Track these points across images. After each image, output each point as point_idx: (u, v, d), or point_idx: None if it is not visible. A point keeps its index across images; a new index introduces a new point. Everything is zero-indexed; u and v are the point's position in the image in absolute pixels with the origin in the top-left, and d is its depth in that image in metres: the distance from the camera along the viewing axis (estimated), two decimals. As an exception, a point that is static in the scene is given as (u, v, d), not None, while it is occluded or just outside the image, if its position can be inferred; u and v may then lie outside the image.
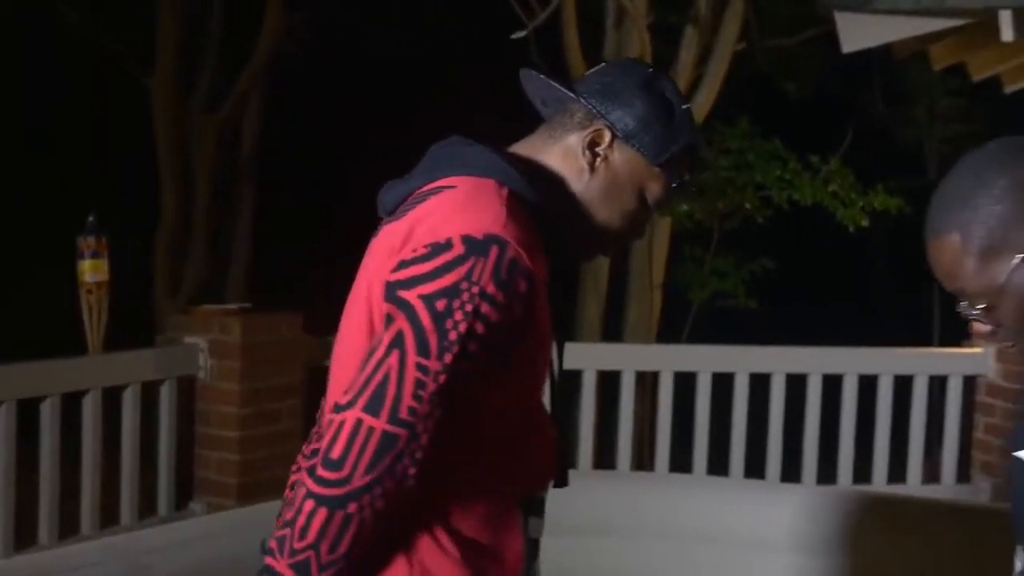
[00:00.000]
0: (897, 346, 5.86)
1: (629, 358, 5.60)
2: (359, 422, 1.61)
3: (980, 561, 2.97)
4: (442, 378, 1.61)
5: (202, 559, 2.87)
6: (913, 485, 5.53)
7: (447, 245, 1.64)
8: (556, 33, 7.64)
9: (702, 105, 7.84)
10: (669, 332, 8.75)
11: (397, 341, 1.63)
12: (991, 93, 8.13)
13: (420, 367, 1.61)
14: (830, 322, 11.91)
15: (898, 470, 5.57)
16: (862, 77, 12.38)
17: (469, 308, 1.61)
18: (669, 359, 5.53)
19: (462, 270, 1.62)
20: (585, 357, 5.43)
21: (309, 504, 1.62)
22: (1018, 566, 1.48)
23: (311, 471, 1.64)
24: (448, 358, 1.61)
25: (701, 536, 3.28)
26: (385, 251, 1.71)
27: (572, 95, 1.84)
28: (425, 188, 1.76)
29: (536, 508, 1.84)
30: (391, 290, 1.66)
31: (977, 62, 6.74)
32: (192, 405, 4.86)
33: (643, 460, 6.75)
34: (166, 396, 4.78)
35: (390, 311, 1.66)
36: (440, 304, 1.62)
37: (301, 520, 1.62)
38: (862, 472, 5.54)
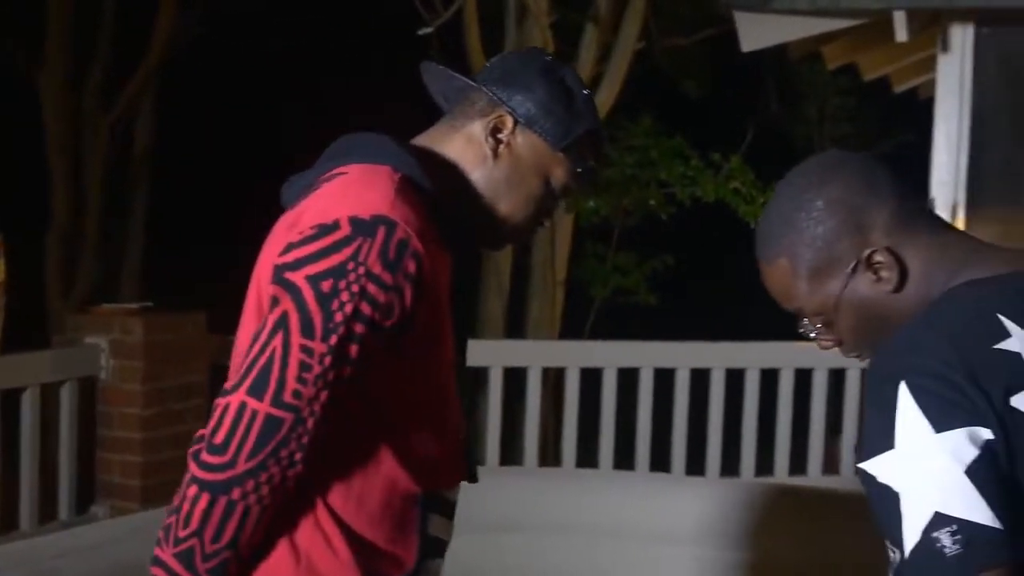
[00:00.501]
0: (797, 340, 5.94)
1: (535, 355, 5.63)
2: (243, 405, 1.60)
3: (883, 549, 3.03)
4: (327, 360, 1.59)
5: (109, 564, 2.82)
6: (813, 476, 5.62)
7: (334, 226, 1.62)
8: (458, 32, 7.64)
9: (604, 102, 7.91)
10: (571, 328, 8.80)
11: (282, 322, 1.61)
12: (880, 93, 8.33)
13: (305, 349, 1.59)
14: (730, 318, 12.06)
15: (799, 462, 5.66)
16: (758, 76, 12.58)
17: (356, 289, 1.60)
18: (575, 355, 5.57)
19: (348, 251, 1.60)
20: (490, 354, 5.44)
21: (192, 490, 1.61)
22: (890, 555, 1.53)
23: (195, 455, 1.62)
24: (333, 340, 1.59)
25: (609, 531, 3.30)
26: (276, 237, 1.71)
27: (473, 84, 1.85)
28: (320, 178, 1.75)
29: (442, 507, 1.82)
30: (278, 272, 1.64)
31: (868, 62, 6.90)
32: (93, 407, 4.77)
33: (548, 456, 6.79)
34: (66, 398, 4.68)
35: (276, 293, 1.63)
36: (326, 285, 1.60)
37: (186, 506, 1.61)
38: (764, 464, 5.61)
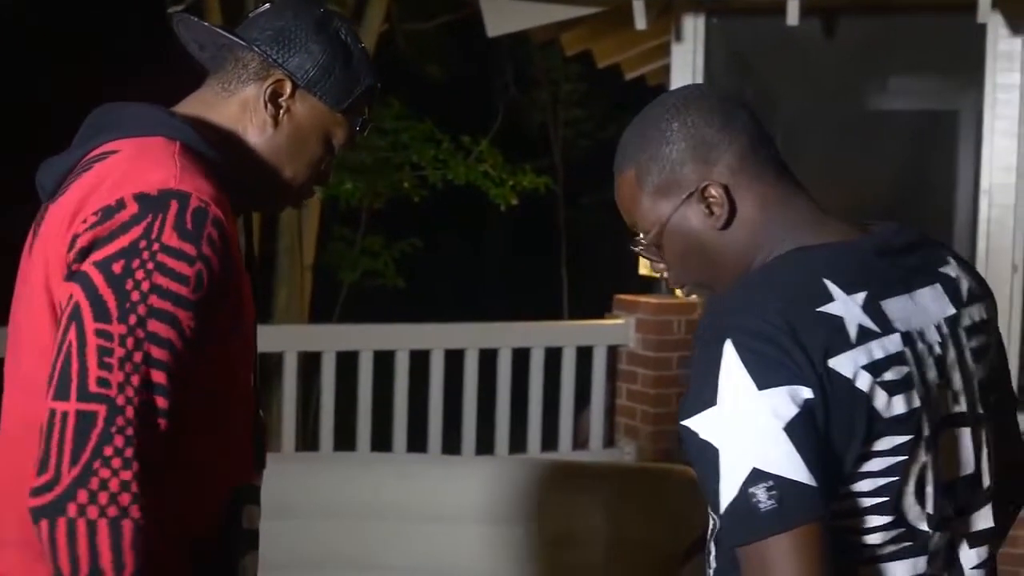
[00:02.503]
0: (546, 320, 6.10)
1: (290, 339, 5.57)
2: (52, 412, 1.45)
3: (662, 518, 3.17)
4: (130, 341, 1.46)
5: None
6: (564, 451, 5.78)
7: (118, 206, 1.50)
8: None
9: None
10: (319, 313, 8.73)
11: (74, 314, 1.48)
12: (610, 79, 8.61)
13: (101, 333, 1.46)
14: (478, 299, 12.24)
15: (550, 438, 5.81)
16: (497, 62, 12.79)
17: (151, 265, 1.48)
18: (330, 339, 5.54)
19: (138, 229, 1.49)
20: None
21: (42, 524, 1.44)
22: (710, 523, 1.56)
23: (30, 490, 1.46)
24: (132, 319, 1.46)
25: (377, 512, 3.32)
26: (56, 231, 1.56)
27: (243, 43, 1.72)
28: (87, 158, 1.61)
29: (254, 496, 1.73)
30: (68, 269, 1.52)
31: (603, 50, 7.12)
32: None
33: (306, 441, 6.73)
34: None
35: (67, 289, 1.51)
36: (117, 266, 1.48)
37: (47, 547, 1.43)
38: (517, 441, 5.72)
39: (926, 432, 1.46)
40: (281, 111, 1.73)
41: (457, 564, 3.21)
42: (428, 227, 10.23)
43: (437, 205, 9.88)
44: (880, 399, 1.42)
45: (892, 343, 1.45)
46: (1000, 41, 5.19)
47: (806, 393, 1.38)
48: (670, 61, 5.93)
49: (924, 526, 1.47)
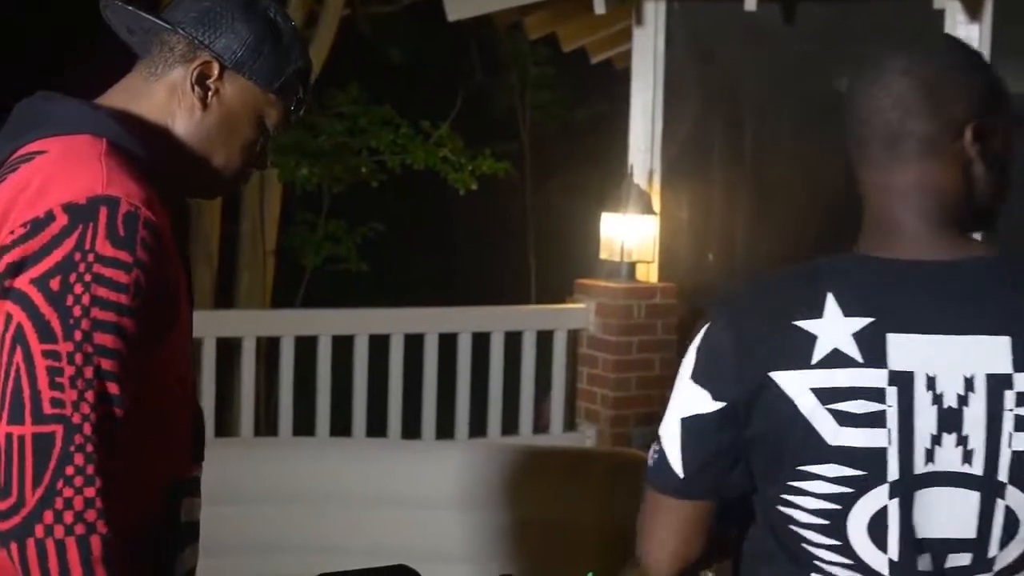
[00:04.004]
0: (505, 305, 6.11)
1: (248, 324, 5.56)
2: (8, 437, 1.45)
3: (622, 500, 3.18)
4: (78, 358, 1.46)
5: None
6: (525, 435, 5.79)
7: (48, 219, 1.48)
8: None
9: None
10: (282, 298, 8.71)
11: (17, 336, 1.47)
12: (577, 63, 8.62)
13: (48, 354, 1.46)
14: (440, 283, 12.22)
15: (510, 422, 5.82)
16: (463, 45, 12.74)
17: (88, 278, 1.47)
18: (290, 324, 5.53)
19: (71, 241, 1.47)
20: (203, 324, 5.29)
21: (12, 547, 1.44)
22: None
23: None
24: (78, 335, 1.46)
25: (338, 498, 3.33)
26: None
27: (167, 26, 1.69)
28: (12, 158, 1.59)
29: (194, 488, 1.74)
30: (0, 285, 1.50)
31: (567, 33, 7.12)
32: None
33: (266, 426, 6.72)
34: None
35: (3, 307, 1.49)
36: (54, 283, 1.47)
37: (19, 569, 1.44)
38: (477, 425, 5.72)
39: (892, 476, 1.40)
40: (209, 93, 1.69)
41: (417, 549, 3.21)
42: (392, 211, 10.21)
43: (401, 189, 9.86)
44: (825, 425, 1.40)
45: (871, 377, 1.40)
46: (958, 27, 5.21)
47: (722, 403, 1.48)
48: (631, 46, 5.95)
49: (884, 570, 1.43)
